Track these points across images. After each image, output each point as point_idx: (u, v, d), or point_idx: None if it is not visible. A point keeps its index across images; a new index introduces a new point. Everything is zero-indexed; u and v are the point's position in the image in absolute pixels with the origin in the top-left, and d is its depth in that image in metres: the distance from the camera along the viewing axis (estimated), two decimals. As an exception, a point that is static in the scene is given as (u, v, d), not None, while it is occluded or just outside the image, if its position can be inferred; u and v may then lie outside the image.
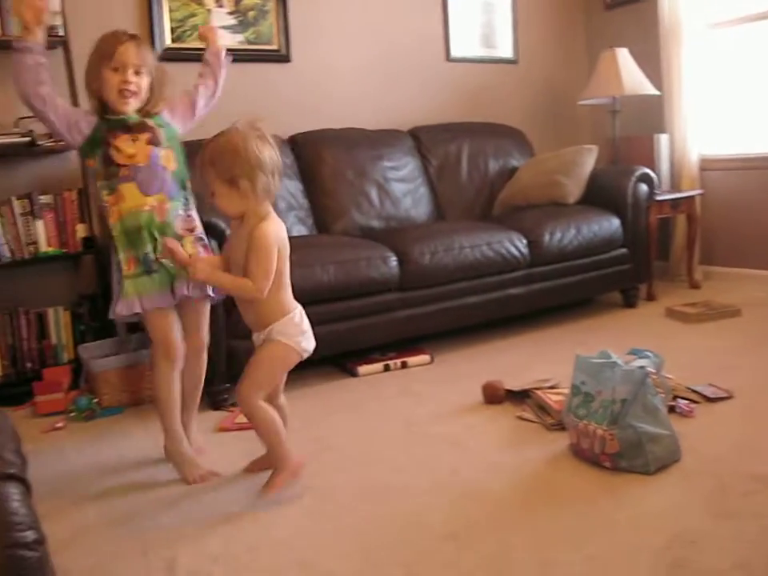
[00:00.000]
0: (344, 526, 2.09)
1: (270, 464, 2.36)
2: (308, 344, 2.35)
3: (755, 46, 4.78)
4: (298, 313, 2.33)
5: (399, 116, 4.77)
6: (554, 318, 4.20)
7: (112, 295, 2.53)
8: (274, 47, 4.38)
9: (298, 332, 2.31)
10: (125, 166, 2.39)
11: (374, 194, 4.26)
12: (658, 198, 4.56)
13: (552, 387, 2.95)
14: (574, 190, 4.41)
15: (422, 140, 4.64)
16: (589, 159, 4.49)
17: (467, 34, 5.10)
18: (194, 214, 2.57)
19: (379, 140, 4.45)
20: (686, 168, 4.96)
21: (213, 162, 2.17)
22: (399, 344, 3.67)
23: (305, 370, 3.46)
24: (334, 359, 3.57)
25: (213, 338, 2.80)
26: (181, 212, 2.50)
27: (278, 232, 2.24)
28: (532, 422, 2.77)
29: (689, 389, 2.90)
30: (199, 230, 2.57)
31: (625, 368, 2.41)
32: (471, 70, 5.10)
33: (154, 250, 2.42)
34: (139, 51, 2.39)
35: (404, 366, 3.53)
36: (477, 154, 4.76)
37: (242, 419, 2.92)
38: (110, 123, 2.41)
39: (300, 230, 4.00)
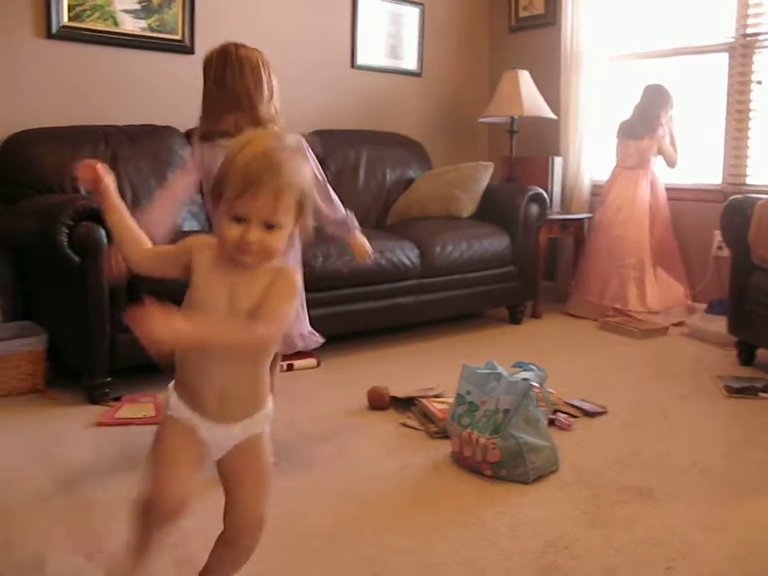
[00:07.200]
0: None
1: None
2: None
3: (648, 81, 4.97)
4: None
5: (299, 117, 4.72)
6: (441, 329, 4.23)
7: None
8: (178, 37, 4.27)
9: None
10: None
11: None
12: (549, 218, 4.68)
13: (437, 396, 2.98)
14: (468, 204, 4.49)
15: (322, 144, 4.61)
16: (485, 175, 4.58)
17: (374, 43, 5.12)
18: None
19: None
20: (577, 191, 5.12)
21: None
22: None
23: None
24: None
25: (95, 329, 2.71)
26: None
27: None
28: (415, 429, 2.79)
29: (567, 403, 2.99)
30: None
31: (509, 379, 2.46)
32: (375, 78, 5.12)
33: None
34: None
35: (290, 368, 3.49)
36: (375, 163, 4.76)
37: (122, 414, 2.82)
38: None
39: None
